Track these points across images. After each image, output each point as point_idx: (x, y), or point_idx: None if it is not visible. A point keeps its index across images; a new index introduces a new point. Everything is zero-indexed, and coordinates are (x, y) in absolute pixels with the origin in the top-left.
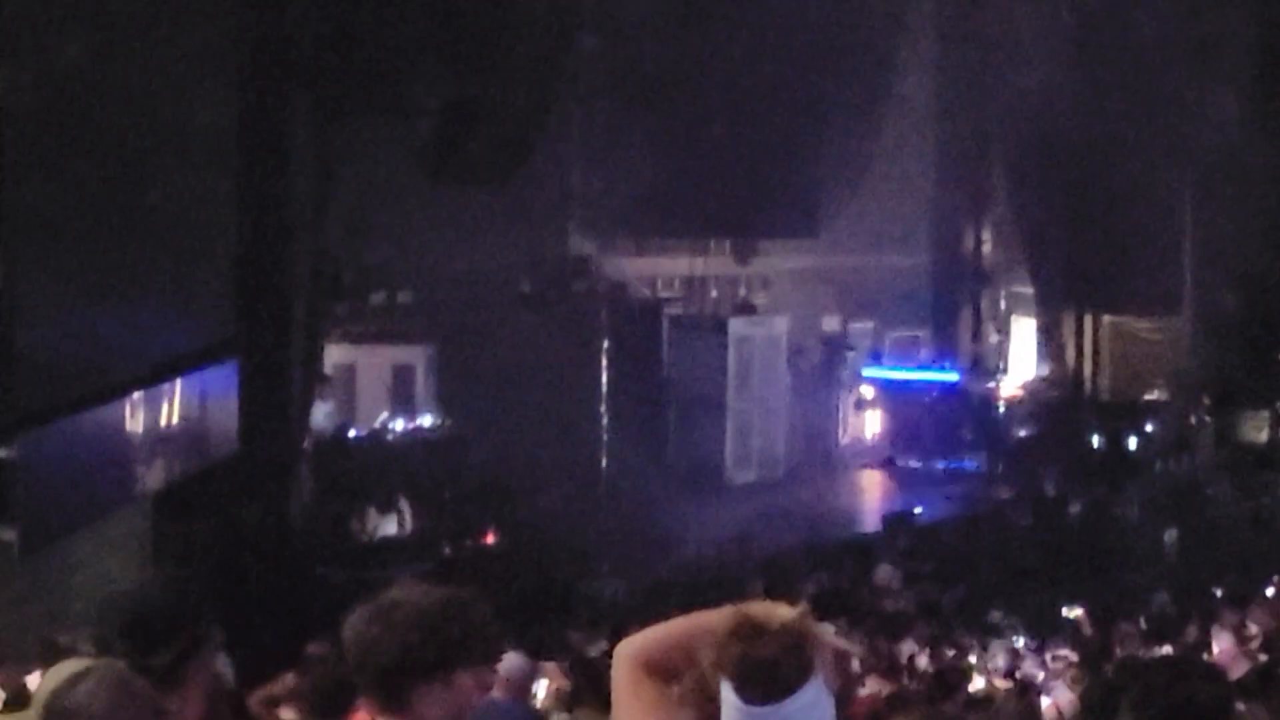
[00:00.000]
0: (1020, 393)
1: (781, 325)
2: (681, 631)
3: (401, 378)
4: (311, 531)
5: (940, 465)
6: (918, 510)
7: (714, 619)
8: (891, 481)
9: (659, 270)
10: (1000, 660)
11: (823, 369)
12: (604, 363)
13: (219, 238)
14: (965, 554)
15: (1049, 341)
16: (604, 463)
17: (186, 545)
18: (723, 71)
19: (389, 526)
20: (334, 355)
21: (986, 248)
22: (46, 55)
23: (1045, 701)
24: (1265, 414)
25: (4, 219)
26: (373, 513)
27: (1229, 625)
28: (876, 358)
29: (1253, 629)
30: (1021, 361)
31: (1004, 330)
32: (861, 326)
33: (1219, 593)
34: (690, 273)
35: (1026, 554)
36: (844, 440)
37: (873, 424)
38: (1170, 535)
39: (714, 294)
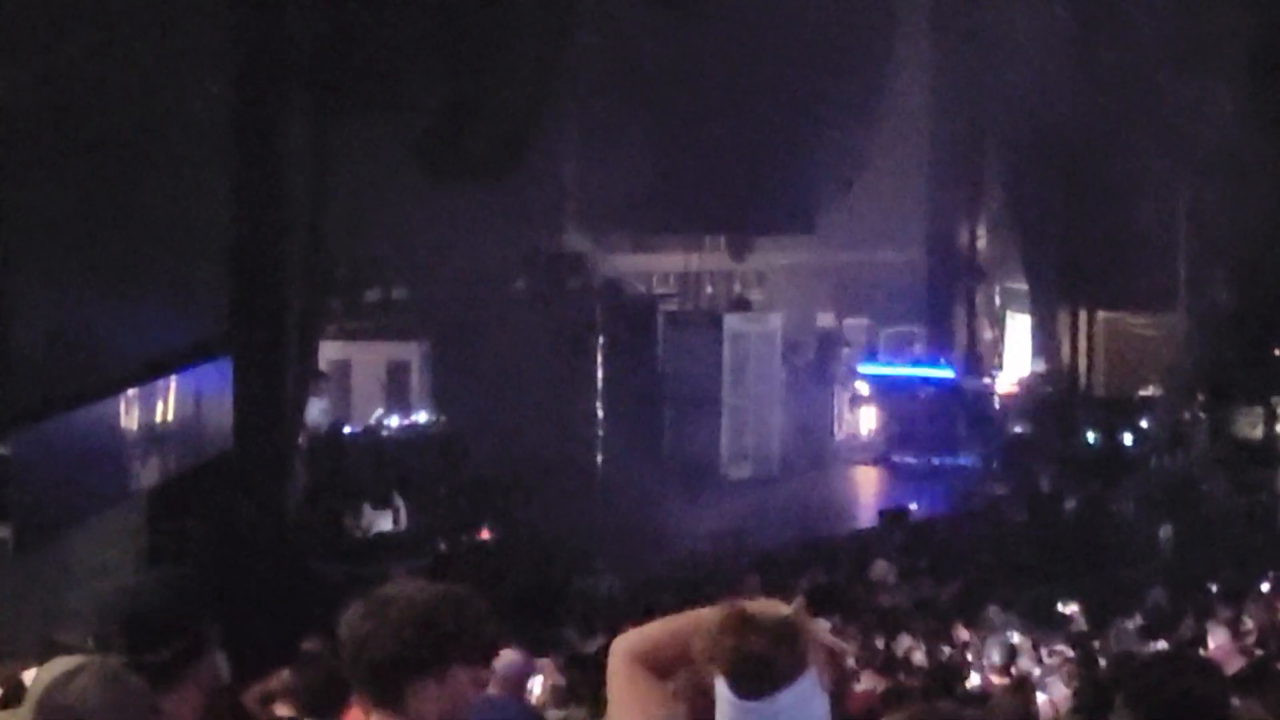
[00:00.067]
0: (1015, 389)
1: (777, 321)
2: (676, 628)
3: (396, 374)
4: (306, 528)
5: (935, 461)
6: (913, 506)
7: (709, 615)
8: (887, 477)
9: (654, 266)
10: (996, 656)
11: (818, 365)
12: (599, 359)
13: (214, 234)
14: (961, 550)
15: (1044, 337)
16: (599, 459)
17: (181, 542)
18: (718, 68)
19: (384, 523)
20: (329, 352)
21: (982, 244)
22: (42, 52)
23: (1041, 697)
24: (1260, 409)
25: None
26: (368, 509)
27: (1224, 620)
28: (872, 354)
29: (1248, 624)
30: (1017, 357)
31: (999, 326)
32: (857, 322)
33: (1214, 588)
34: (685, 269)
35: (1022, 549)
36: (839, 436)
37: (868, 420)
38: (1166, 531)
39: (709, 290)
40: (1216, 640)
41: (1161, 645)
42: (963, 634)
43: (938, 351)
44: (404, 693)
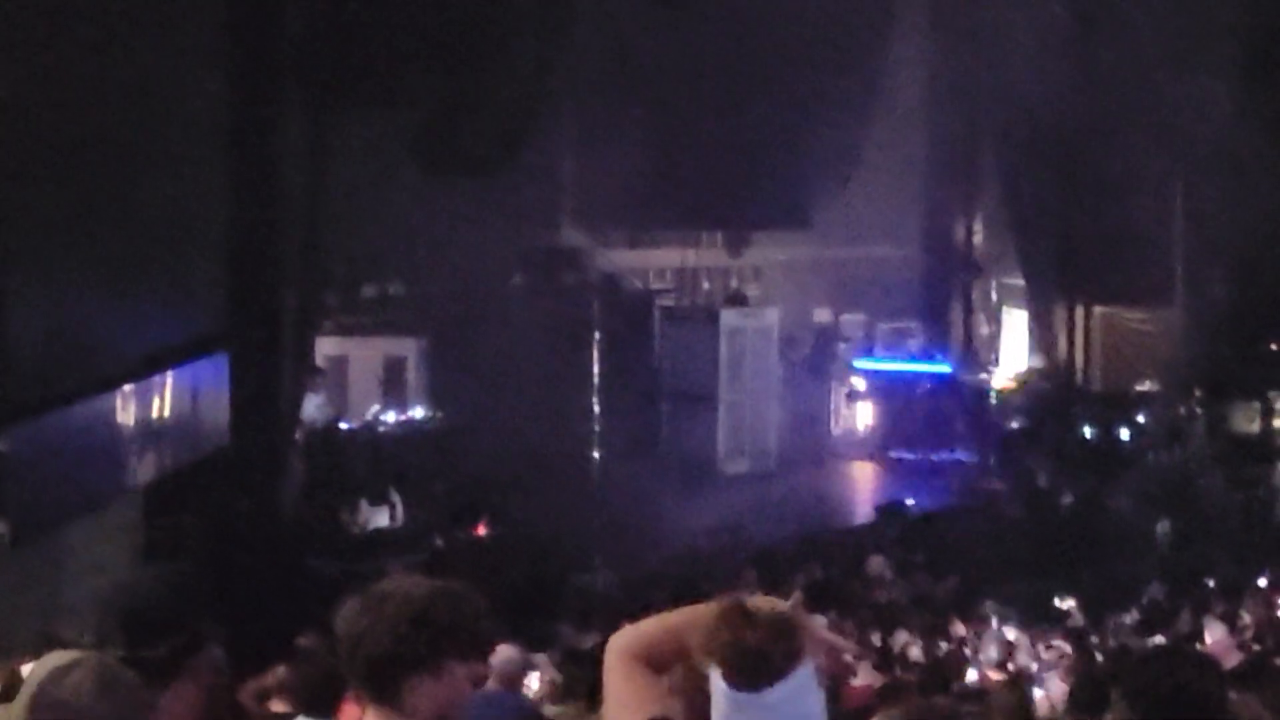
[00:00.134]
0: (1012, 384)
1: (773, 316)
2: (673, 623)
3: (393, 369)
4: (303, 524)
5: (932, 456)
6: (910, 501)
7: (705, 611)
8: (883, 473)
9: (651, 262)
10: (993, 651)
11: (815, 360)
12: (595, 354)
13: (211, 231)
14: (958, 545)
15: (1041, 333)
16: (596, 454)
17: (178, 537)
18: (716, 65)
19: (380, 519)
20: (326, 348)
21: (978, 239)
22: (38, 50)
23: (1038, 692)
24: (1257, 405)
25: None
26: (364, 505)
27: (1221, 615)
28: (868, 349)
29: (1245, 619)
30: (1014, 353)
31: (996, 322)
32: (853, 318)
33: (1211, 583)
34: (682, 264)
35: (1019, 545)
36: (836, 431)
37: (864, 415)
38: (1163, 526)
39: (706, 285)
40: (1213, 635)
41: (1158, 640)
42: (959, 629)
43: (934, 347)
44: (400, 688)
